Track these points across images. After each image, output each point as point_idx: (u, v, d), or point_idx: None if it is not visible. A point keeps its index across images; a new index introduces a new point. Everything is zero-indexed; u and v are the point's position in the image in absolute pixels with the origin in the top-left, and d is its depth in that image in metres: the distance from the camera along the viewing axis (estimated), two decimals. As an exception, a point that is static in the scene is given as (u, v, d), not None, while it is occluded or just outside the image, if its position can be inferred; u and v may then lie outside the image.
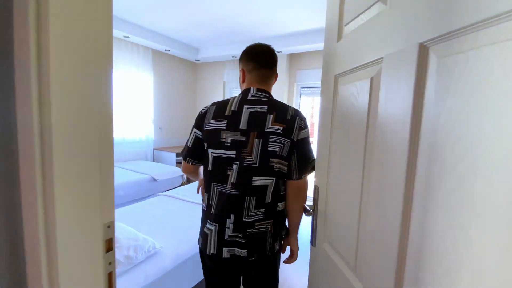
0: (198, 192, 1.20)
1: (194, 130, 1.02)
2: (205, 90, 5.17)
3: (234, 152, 0.93)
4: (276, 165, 0.93)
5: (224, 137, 0.94)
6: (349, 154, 0.72)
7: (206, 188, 1.00)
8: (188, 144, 1.03)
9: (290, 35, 3.66)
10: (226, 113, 0.96)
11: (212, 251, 0.96)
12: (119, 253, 1.19)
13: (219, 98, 5.07)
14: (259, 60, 1.05)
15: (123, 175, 3.04)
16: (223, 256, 0.94)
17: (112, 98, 0.53)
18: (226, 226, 0.94)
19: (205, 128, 0.98)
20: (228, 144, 0.93)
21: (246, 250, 0.94)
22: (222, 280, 1.04)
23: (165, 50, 4.22)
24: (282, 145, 0.93)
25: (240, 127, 0.94)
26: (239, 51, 4.15)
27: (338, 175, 0.79)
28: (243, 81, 1.07)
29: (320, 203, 0.89)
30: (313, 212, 0.93)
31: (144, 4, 2.86)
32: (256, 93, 0.99)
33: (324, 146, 0.88)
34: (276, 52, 1.10)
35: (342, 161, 0.77)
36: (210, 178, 0.98)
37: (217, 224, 0.95)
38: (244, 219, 0.93)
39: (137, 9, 3.01)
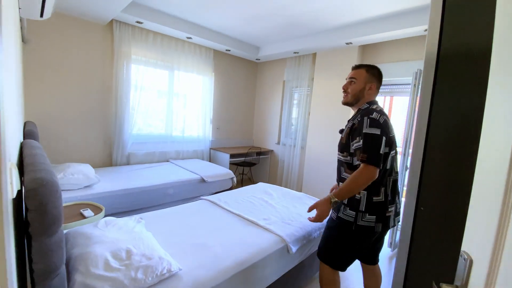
0: (310, 210, 1.35)
1: (384, 138, 1.21)
2: (264, 90, 4.97)
3: (394, 150, 1.32)
4: None
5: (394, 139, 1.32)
6: None
7: (382, 183, 1.27)
8: (381, 152, 1.19)
9: (362, 23, 3.08)
10: (390, 121, 1.32)
11: (392, 225, 1.32)
12: (126, 273, 1.03)
13: (278, 98, 4.81)
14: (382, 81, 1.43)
15: (176, 173, 3.08)
16: (392, 225, 1.33)
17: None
18: (398, 203, 1.37)
19: (390, 135, 1.26)
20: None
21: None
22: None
23: (226, 50, 4.19)
24: None
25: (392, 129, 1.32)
26: (301, 46, 3.71)
27: None
28: (369, 94, 1.37)
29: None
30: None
31: (204, 3, 2.81)
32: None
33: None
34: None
35: None
36: (385, 174, 1.28)
37: (394, 204, 1.32)
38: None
39: (197, 9, 3.00)
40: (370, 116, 1.22)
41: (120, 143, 3.34)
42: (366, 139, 1.19)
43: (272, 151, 4.81)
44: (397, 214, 1.36)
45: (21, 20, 1.96)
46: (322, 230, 1.85)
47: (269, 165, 4.85)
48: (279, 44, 4.08)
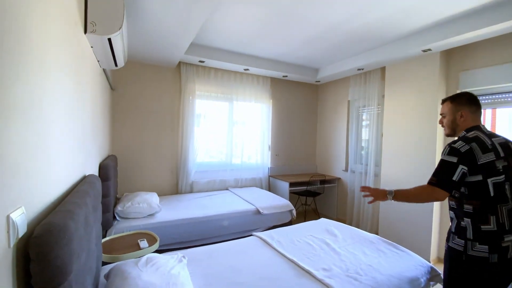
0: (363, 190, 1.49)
1: (462, 167, 1.23)
2: (327, 112, 4.63)
3: (504, 176, 1.22)
4: None
5: (497, 165, 1.23)
6: None
7: (492, 211, 1.21)
8: (454, 179, 1.23)
9: (441, 24, 2.54)
10: (490, 147, 1.25)
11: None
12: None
13: (343, 120, 4.37)
14: (478, 102, 1.40)
15: (231, 203, 3.00)
16: None
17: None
18: None
19: (480, 162, 1.22)
20: (501, 170, 1.22)
21: None
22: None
23: (283, 76, 4.14)
24: None
25: (501, 156, 1.25)
26: (365, 62, 3.32)
27: None
28: (463, 121, 1.39)
29: None
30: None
31: (258, 33, 2.85)
32: (487, 129, 1.35)
33: None
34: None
35: None
36: (495, 201, 1.21)
37: None
38: None
39: (253, 40, 3.07)
40: (452, 145, 1.30)
41: (184, 172, 3.54)
42: (440, 164, 1.31)
43: (339, 179, 4.30)
44: None
45: (104, 71, 2.34)
46: None
47: (337, 195, 4.31)
48: (340, 62, 3.78)
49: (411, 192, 1.37)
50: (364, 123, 3.99)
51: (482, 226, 1.23)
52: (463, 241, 1.27)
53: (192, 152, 3.56)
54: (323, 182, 4.16)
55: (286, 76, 4.12)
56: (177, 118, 3.55)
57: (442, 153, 1.33)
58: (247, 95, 3.97)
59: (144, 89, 3.35)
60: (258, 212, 2.85)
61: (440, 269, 1.86)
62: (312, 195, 3.98)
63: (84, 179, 1.39)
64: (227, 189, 3.79)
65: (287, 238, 1.98)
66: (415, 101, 3.06)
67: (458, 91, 2.87)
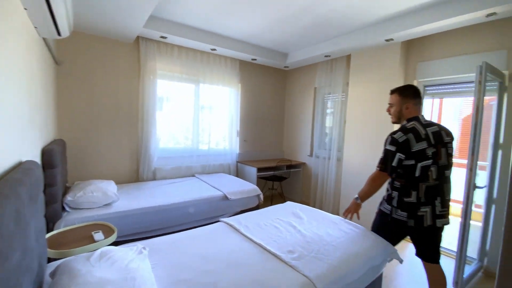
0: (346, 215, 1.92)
1: (399, 155, 1.52)
2: (294, 98, 4.66)
3: (431, 160, 1.51)
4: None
5: (428, 152, 1.51)
6: None
7: (414, 188, 1.53)
8: (394, 164, 1.54)
9: (403, 15, 2.64)
10: (423, 137, 1.52)
11: (428, 223, 1.53)
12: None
13: (310, 107, 4.45)
14: (420, 95, 1.68)
15: (198, 190, 2.90)
16: (437, 226, 1.54)
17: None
18: (436, 206, 1.53)
19: (413, 150, 1.50)
20: (430, 156, 1.51)
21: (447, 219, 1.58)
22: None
23: (252, 59, 4.02)
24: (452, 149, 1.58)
25: (432, 143, 1.52)
26: (332, 48, 3.32)
27: None
28: (407, 112, 1.65)
29: None
30: None
31: (224, 8, 2.67)
32: (425, 119, 1.63)
33: None
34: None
35: None
36: (418, 180, 1.52)
37: (430, 206, 1.53)
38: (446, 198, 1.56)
39: (219, 17, 2.88)
40: (393, 135, 1.57)
41: (146, 159, 3.31)
42: (384, 152, 1.63)
43: (304, 163, 4.42)
44: (438, 217, 1.54)
45: (46, 41, 1.99)
46: (362, 273, 1.48)
47: (302, 180, 4.45)
48: (309, 48, 3.78)
49: (367, 186, 1.72)
50: (328, 110, 4.11)
51: (405, 199, 1.57)
52: (390, 207, 1.65)
53: (154, 137, 3.33)
54: (289, 167, 4.25)
55: (255, 59, 4.01)
56: (136, 100, 3.26)
57: (385, 143, 1.61)
58: (215, 77, 3.79)
59: (96, 65, 2.97)
60: (225, 197, 2.80)
61: (400, 248, 2.11)
62: (278, 179, 4.05)
63: (19, 166, 1.18)
64: (193, 176, 3.66)
65: (254, 223, 1.97)
66: (377, 89, 3.20)
67: (416, 81, 3.08)
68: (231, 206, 2.87)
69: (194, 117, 3.72)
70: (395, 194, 1.62)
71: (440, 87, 2.95)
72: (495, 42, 2.37)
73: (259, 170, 3.81)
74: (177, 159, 3.64)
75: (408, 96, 1.65)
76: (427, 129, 1.54)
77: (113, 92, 3.10)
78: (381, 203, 1.77)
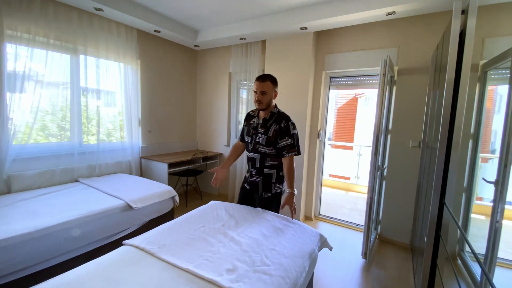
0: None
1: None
2: (207, 83, 4.23)
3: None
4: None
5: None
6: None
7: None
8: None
9: (318, 3, 2.68)
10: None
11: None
12: None
13: (225, 93, 4.13)
14: None
15: (86, 200, 2.13)
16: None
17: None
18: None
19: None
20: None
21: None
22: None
23: (155, 31, 3.30)
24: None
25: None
26: (247, 31, 2.90)
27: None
28: (273, 99, 1.82)
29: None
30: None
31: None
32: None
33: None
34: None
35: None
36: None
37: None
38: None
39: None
40: (291, 121, 1.77)
41: (-12, 163, 2.17)
42: (296, 138, 1.77)
43: (221, 154, 4.13)
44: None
45: None
46: (307, 271, 1.36)
47: (218, 172, 4.15)
48: (222, 27, 3.41)
49: (290, 174, 1.76)
50: (244, 97, 3.93)
51: (280, 173, 1.85)
52: (281, 185, 1.87)
53: (5, 130, 2.22)
54: (205, 159, 3.86)
55: (159, 31, 3.31)
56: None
57: (290, 128, 1.74)
58: (103, 48, 2.88)
59: None
60: (128, 207, 2.16)
61: (310, 225, 2.17)
62: (194, 174, 3.61)
63: None
64: (76, 181, 2.73)
65: (174, 239, 1.54)
66: (293, 77, 3.22)
67: (324, 72, 3.28)
68: (138, 217, 2.25)
69: (74, 100, 2.73)
70: (282, 173, 1.85)
71: (342, 80, 3.24)
72: (389, 40, 2.73)
73: (171, 166, 3.25)
74: (48, 160, 2.60)
75: (276, 84, 1.79)
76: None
77: None
78: (269, 189, 1.87)
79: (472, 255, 1.49)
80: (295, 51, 3.18)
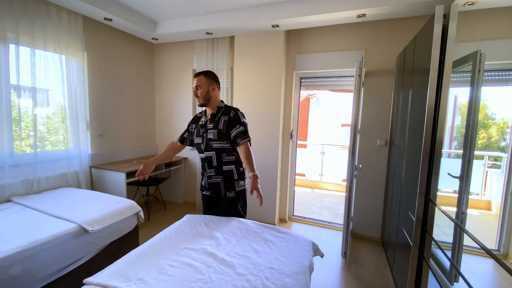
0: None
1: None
2: (167, 81, 3.84)
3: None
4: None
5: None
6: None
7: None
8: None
9: (292, 1, 2.61)
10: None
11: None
12: None
13: (188, 92, 3.81)
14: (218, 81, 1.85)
15: (27, 227, 1.66)
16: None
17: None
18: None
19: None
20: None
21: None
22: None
23: (105, 19, 2.83)
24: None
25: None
26: (214, 25, 2.51)
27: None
28: (214, 94, 1.78)
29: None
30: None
31: None
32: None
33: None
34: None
35: None
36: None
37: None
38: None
39: None
40: (239, 111, 1.77)
41: None
42: (246, 126, 1.74)
43: (186, 158, 3.80)
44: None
45: None
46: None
47: (183, 178, 3.82)
48: (185, 20, 3.11)
49: (249, 159, 1.65)
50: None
51: (241, 169, 1.80)
52: (243, 182, 1.81)
53: None
54: (168, 165, 3.50)
55: (111, 20, 2.85)
56: None
57: (240, 117, 1.72)
58: (39, 37, 2.34)
59: None
60: (83, 231, 1.76)
61: (285, 227, 2.10)
62: (156, 182, 3.23)
63: None
64: (9, 201, 2.16)
65: (150, 268, 1.27)
66: (262, 77, 3.10)
67: (295, 72, 3.24)
68: (95, 241, 1.85)
69: (1, 101, 2.14)
70: (242, 169, 1.81)
71: (311, 80, 3.25)
72: (357, 43, 2.81)
73: (129, 175, 2.83)
74: (-39, 177, 1.99)
75: (212, 78, 1.76)
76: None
77: None
78: (232, 187, 1.78)
79: (441, 244, 1.60)
80: (267, 49, 3.07)
